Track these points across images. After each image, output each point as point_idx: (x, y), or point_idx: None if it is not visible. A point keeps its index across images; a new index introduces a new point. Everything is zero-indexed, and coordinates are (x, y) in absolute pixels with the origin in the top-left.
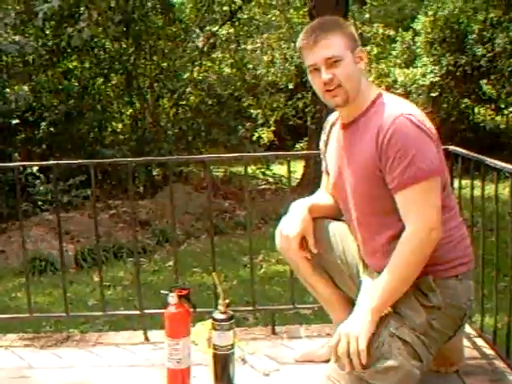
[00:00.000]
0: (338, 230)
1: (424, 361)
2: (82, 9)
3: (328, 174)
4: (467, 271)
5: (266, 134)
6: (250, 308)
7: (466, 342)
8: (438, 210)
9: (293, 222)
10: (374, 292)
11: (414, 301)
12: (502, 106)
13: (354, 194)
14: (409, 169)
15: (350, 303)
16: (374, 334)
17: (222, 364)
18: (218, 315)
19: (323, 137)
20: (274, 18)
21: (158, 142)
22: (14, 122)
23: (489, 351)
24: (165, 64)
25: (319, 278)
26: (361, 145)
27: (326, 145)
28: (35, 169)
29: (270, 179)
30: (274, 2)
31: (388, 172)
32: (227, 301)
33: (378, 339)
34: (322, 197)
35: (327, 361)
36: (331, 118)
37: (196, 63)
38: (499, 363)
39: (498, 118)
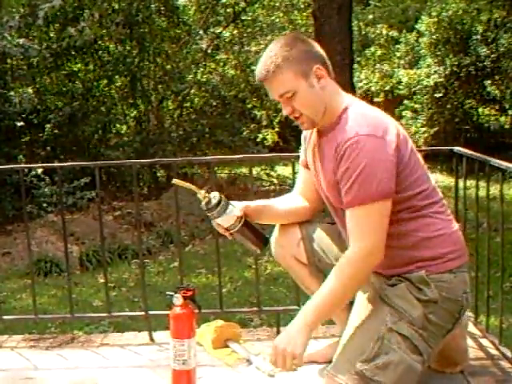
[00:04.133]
0: (330, 231)
1: (424, 355)
2: (86, 11)
3: (306, 167)
4: (461, 264)
5: (270, 136)
6: (255, 309)
7: (470, 343)
8: (379, 234)
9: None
10: (308, 307)
11: (409, 295)
12: (507, 106)
13: (329, 196)
14: (351, 190)
15: (349, 305)
16: (370, 330)
17: (246, 234)
18: (205, 206)
19: (305, 132)
20: (277, 20)
21: (163, 144)
22: (19, 124)
23: (494, 352)
24: (169, 66)
25: (317, 282)
26: (327, 159)
27: (307, 141)
28: (40, 171)
29: (275, 180)
30: (277, 4)
31: (341, 190)
32: (203, 191)
33: (376, 334)
34: (285, 201)
35: (331, 361)
36: None
37: (200, 65)
38: (505, 364)
39: (503, 119)
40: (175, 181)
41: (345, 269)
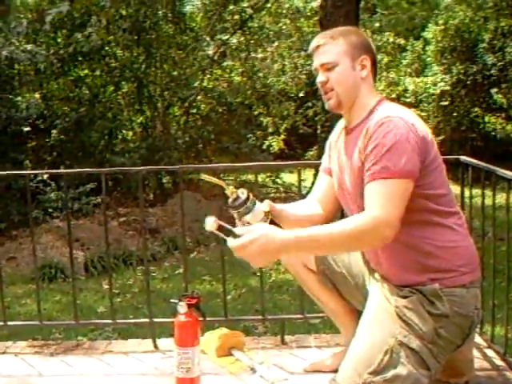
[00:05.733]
0: None
1: (432, 369)
2: (93, 17)
3: (328, 174)
4: (474, 279)
5: (276, 143)
6: (260, 317)
7: (476, 353)
8: (399, 210)
9: None
10: (302, 232)
11: (420, 309)
12: None
13: (352, 195)
14: (379, 163)
15: (357, 314)
16: (380, 342)
17: None
18: (232, 202)
19: (333, 136)
20: (284, 27)
21: (168, 150)
22: (26, 129)
23: (499, 362)
24: (175, 72)
25: (325, 289)
26: (354, 150)
27: (332, 146)
28: (46, 176)
29: (281, 188)
30: (284, 11)
31: (364, 166)
32: (231, 187)
33: (385, 347)
34: (300, 206)
35: (336, 371)
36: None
37: (206, 71)
38: (510, 374)
39: (509, 127)
40: (203, 176)
41: (355, 224)
